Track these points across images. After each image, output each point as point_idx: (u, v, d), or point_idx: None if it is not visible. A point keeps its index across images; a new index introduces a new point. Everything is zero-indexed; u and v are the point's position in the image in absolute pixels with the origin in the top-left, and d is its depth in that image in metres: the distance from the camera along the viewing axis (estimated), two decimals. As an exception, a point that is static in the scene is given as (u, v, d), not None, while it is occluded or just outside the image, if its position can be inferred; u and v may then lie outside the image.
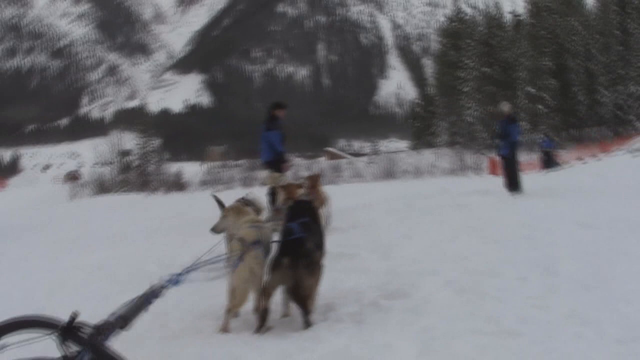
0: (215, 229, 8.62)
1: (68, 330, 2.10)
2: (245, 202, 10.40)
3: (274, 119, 17.00)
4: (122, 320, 2.39)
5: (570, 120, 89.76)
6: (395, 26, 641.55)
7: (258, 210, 9.29)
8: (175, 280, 3.72)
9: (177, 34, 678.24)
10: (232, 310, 6.89)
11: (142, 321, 7.18)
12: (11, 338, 2.12)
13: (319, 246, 7.47)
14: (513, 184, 20.24)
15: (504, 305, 6.82)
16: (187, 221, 18.63)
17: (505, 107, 21.63)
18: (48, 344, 2.23)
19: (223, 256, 6.75)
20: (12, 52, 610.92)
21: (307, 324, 6.75)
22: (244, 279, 6.79)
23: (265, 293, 6.85)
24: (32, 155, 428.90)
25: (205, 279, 9.17)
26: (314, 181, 14.69)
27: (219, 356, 5.95)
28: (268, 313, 6.86)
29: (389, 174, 43.39)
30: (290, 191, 13.21)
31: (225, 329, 6.88)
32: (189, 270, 4.18)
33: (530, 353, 5.33)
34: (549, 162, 44.54)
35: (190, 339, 6.45)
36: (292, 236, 6.93)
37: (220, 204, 9.82)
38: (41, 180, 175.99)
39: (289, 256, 6.72)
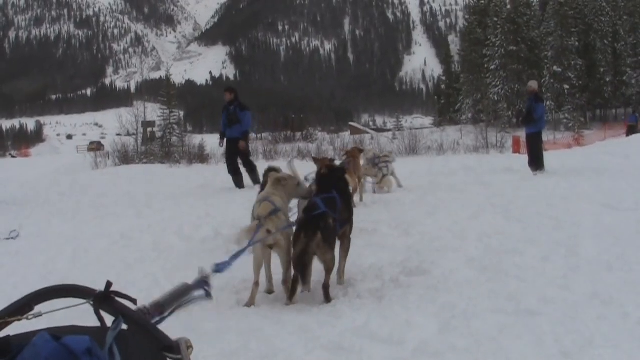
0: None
1: (103, 299, 2.10)
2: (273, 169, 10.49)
3: (226, 102, 19.03)
4: (161, 308, 2.39)
5: (595, 100, 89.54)
6: (422, 2, 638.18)
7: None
8: (218, 269, 3.71)
9: (203, 5, 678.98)
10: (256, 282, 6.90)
11: (161, 292, 7.23)
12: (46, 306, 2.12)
13: (346, 221, 7.50)
14: (536, 163, 20.13)
15: (525, 284, 6.80)
16: (209, 193, 18.64)
17: (534, 84, 21.51)
18: (80, 314, 2.23)
19: (259, 240, 6.72)
20: (39, 21, 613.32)
21: (327, 299, 6.78)
22: (256, 255, 6.85)
23: (291, 264, 6.89)
24: (56, 124, 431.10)
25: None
26: (354, 154, 14.83)
27: (238, 329, 5.97)
28: (297, 283, 6.90)
29: (412, 150, 43.15)
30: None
31: (251, 302, 6.92)
32: (233, 259, 4.16)
33: (552, 333, 5.31)
34: (632, 132, 46.10)
35: (210, 312, 6.45)
36: (315, 211, 6.94)
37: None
38: (64, 150, 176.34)
39: (305, 228, 6.75)
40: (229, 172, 19.28)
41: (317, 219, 6.85)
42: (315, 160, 10.06)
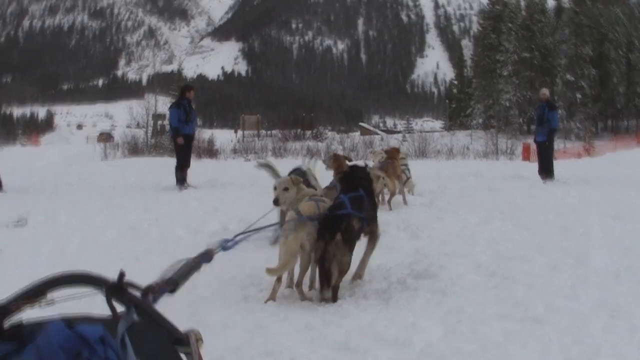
0: (277, 202, 8.35)
1: (116, 288, 2.09)
2: (300, 173, 10.41)
3: (182, 99, 19.32)
4: (172, 283, 2.38)
5: (607, 110, 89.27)
6: (437, 5, 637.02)
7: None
8: (225, 246, 3.68)
9: (217, 0, 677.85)
10: (272, 274, 6.82)
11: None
12: (58, 293, 2.11)
13: (372, 219, 7.57)
14: (546, 171, 20.13)
15: (533, 292, 6.78)
16: (217, 188, 18.68)
17: (546, 92, 21.52)
18: (90, 303, 2.22)
19: (274, 225, 6.67)
20: (53, 10, 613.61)
21: (334, 299, 6.77)
22: (291, 252, 6.76)
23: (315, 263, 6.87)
24: (66, 114, 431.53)
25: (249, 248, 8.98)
26: (393, 154, 14.85)
27: (245, 325, 5.96)
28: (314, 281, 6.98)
29: (422, 153, 43.20)
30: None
31: (272, 297, 6.90)
32: (240, 236, 4.13)
33: (558, 342, 5.29)
34: None
35: (216, 306, 6.45)
36: (340, 211, 6.98)
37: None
38: (74, 139, 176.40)
39: (324, 229, 6.73)
40: (183, 168, 19.23)
41: (339, 219, 6.86)
42: (336, 157, 9.93)
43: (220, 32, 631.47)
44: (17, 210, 13.22)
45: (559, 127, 20.74)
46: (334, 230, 6.69)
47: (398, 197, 14.93)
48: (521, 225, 10.98)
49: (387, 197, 14.37)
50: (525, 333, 5.56)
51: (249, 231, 4.62)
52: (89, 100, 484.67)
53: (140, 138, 49.46)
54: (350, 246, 6.92)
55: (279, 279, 6.95)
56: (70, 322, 1.69)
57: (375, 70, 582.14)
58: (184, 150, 19.10)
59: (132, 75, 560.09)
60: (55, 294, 2.08)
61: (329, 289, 6.79)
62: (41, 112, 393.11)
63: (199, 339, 2.09)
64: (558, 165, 22.25)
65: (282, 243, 6.81)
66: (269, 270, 6.58)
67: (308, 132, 70.03)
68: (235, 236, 3.75)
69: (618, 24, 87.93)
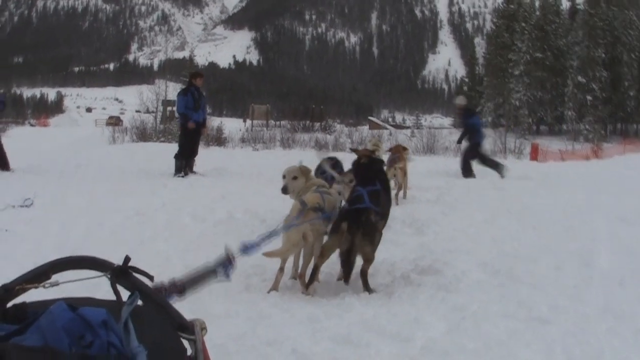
0: (285, 191, 8.26)
1: (121, 273, 2.08)
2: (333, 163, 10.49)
3: (190, 85, 19.22)
4: (180, 286, 2.38)
5: (617, 113, 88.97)
6: (451, 2, 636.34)
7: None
8: (246, 251, 3.63)
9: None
10: (268, 256, 6.78)
11: (172, 271, 7.22)
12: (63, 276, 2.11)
13: (384, 215, 7.55)
14: (465, 170, 20.20)
15: (537, 292, 6.76)
16: (225, 176, 18.64)
17: (461, 100, 21.62)
18: (91, 286, 2.22)
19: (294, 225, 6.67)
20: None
21: (367, 288, 6.83)
22: (293, 242, 6.75)
23: (321, 254, 6.87)
24: (76, 96, 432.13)
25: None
26: (399, 150, 14.93)
27: (247, 315, 5.97)
28: (317, 271, 6.96)
29: (430, 149, 43.11)
30: (397, 150, 14.02)
31: (275, 287, 6.94)
32: (262, 240, 4.09)
33: (561, 343, 5.28)
34: None
35: (220, 296, 6.43)
36: (360, 204, 6.98)
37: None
38: (83, 122, 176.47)
39: (349, 222, 6.75)
40: (190, 155, 19.08)
41: (359, 213, 6.88)
42: (355, 151, 9.94)
43: (234, 21, 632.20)
44: (24, 191, 13.23)
45: (478, 128, 20.98)
46: (356, 224, 6.74)
47: (407, 193, 14.94)
48: (527, 225, 10.93)
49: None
50: (529, 332, 5.56)
51: (272, 234, 4.59)
52: (99, 84, 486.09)
53: (149, 123, 49.30)
54: (371, 238, 6.92)
55: (281, 269, 6.97)
56: (73, 305, 1.69)
57: (387, 65, 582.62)
58: (191, 139, 18.97)
59: (143, 60, 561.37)
60: (59, 277, 2.08)
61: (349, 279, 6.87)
62: (51, 93, 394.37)
63: (203, 328, 2.09)
64: (566, 166, 22.21)
65: (285, 234, 6.80)
66: (267, 253, 6.56)
67: (317, 124, 69.83)
68: (258, 240, 3.72)
69: (632, 27, 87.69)
